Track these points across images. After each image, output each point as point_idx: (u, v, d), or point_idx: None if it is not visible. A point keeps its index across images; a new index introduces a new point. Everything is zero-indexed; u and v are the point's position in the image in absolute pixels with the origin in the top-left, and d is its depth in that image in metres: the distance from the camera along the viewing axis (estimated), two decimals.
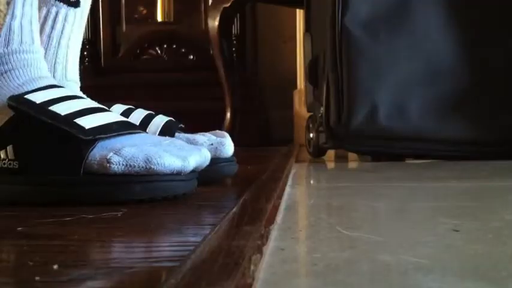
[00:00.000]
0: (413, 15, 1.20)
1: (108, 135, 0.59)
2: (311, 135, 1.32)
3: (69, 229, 0.44)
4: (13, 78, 0.64)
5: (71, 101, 0.63)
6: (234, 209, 0.49)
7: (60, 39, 0.74)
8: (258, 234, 0.39)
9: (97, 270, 0.32)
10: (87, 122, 0.59)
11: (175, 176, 0.57)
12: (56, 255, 0.36)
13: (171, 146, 0.59)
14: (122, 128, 0.61)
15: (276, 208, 0.52)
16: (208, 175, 0.70)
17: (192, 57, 2.18)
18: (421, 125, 1.18)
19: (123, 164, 0.57)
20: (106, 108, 0.65)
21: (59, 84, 0.68)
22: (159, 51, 2.19)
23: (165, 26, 2.17)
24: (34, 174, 0.58)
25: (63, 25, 0.74)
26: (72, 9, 0.74)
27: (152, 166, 0.56)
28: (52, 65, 0.74)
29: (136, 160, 0.57)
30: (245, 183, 0.69)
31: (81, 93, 0.76)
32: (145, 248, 0.38)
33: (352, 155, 1.33)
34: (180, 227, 0.46)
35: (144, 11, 2.21)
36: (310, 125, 1.34)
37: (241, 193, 0.60)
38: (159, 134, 0.71)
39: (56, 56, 0.74)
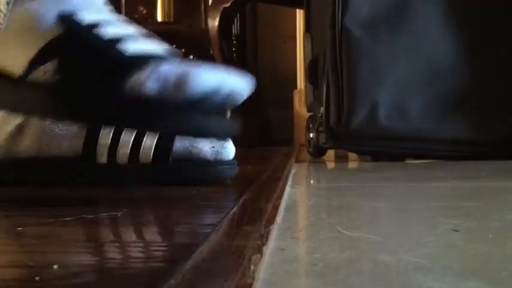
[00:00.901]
0: (413, 15, 1.20)
1: (148, 61, 0.58)
2: (311, 135, 1.32)
3: (69, 229, 0.44)
4: None
5: (117, 27, 0.62)
6: (234, 209, 0.49)
7: None
8: (258, 234, 0.39)
9: (97, 270, 0.32)
10: (131, 47, 0.59)
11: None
12: (56, 255, 0.36)
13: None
14: (163, 55, 0.60)
15: (276, 208, 0.52)
16: (209, 178, 0.70)
17: (192, 57, 2.18)
18: (421, 125, 1.18)
19: (158, 81, 0.55)
20: (155, 35, 0.65)
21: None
22: None
23: (165, 26, 2.17)
24: (72, 91, 0.58)
25: None
26: None
27: (188, 82, 0.55)
28: None
29: (171, 77, 0.56)
30: (245, 183, 0.69)
31: None
32: (145, 248, 0.38)
33: (352, 155, 1.33)
34: (179, 227, 0.46)
35: (144, 11, 2.21)
36: (310, 125, 1.34)
37: (241, 193, 0.60)
38: (159, 135, 0.71)
39: None
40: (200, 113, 0.56)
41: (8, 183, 0.72)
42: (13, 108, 0.60)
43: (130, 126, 0.55)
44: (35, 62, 0.58)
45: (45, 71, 0.58)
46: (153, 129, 0.55)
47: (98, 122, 0.55)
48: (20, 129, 0.73)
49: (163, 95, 0.55)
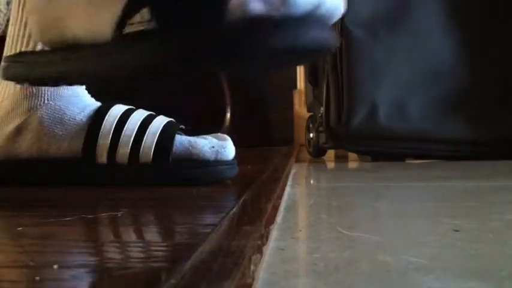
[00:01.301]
0: (413, 16, 1.20)
1: None
2: (311, 135, 1.32)
3: (69, 229, 0.44)
4: None
5: None
6: (234, 209, 0.49)
7: None
8: (258, 234, 0.39)
9: (97, 270, 0.32)
10: None
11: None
12: (56, 255, 0.36)
13: None
14: None
15: (276, 208, 0.52)
16: (209, 178, 0.70)
17: None
18: (421, 125, 1.18)
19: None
20: None
21: None
22: None
23: None
24: (175, 33, 0.56)
25: None
26: None
27: None
28: None
29: None
30: (245, 183, 0.69)
31: (86, 94, 0.76)
32: (145, 248, 0.38)
33: (352, 155, 1.33)
34: (179, 227, 0.46)
35: None
36: (310, 125, 1.34)
37: (241, 193, 0.60)
38: (159, 135, 0.71)
39: None
40: (305, 28, 0.55)
41: (8, 183, 0.72)
42: (115, 72, 0.58)
43: (242, 49, 0.53)
44: (123, 19, 0.56)
45: (139, 23, 0.56)
46: (263, 49, 0.53)
47: (211, 54, 0.53)
48: (19, 130, 0.73)
49: (268, 13, 0.53)
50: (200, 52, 0.52)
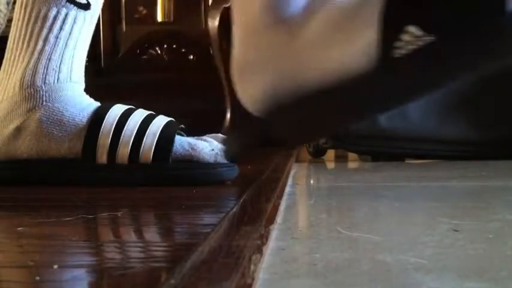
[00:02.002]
0: None
1: None
2: None
3: (69, 229, 0.44)
4: None
5: None
6: (234, 209, 0.49)
7: (67, 41, 0.74)
8: (258, 234, 0.39)
9: (97, 270, 0.32)
10: None
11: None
12: (56, 255, 0.36)
13: None
14: None
15: (276, 208, 0.52)
16: (209, 179, 0.70)
17: (192, 57, 2.18)
18: (422, 125, 1.18)
19: None
20: None
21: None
22: (159, 51, 2.19)
23: (165, 26, 2.17)
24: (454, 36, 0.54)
25: (72, 27, 0.74)
26: (82, 11, 0.74)
27: None
28: (57, 66, 0.74)
29: None
30: (245, 183, 0.69)
31: (85, 95, 0.76)
32: (145, 248, 0.38)
33: (352, 155, 1.33)
34: (179, 227, 0.46)
35: (144, 11, 2.21)
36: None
37: (241, 193, 0.60)
38: (159, 135, 0.71)
39: (62, 57, 0.74)
40: None
41: (8, 183, 0.72)
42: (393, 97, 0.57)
43: None
44: (387, 43, 0.54)
45: (409, 43, 0.55)
46: None
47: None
48: (18, 132, 0.73)
49: None
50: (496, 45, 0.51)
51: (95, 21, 0.77)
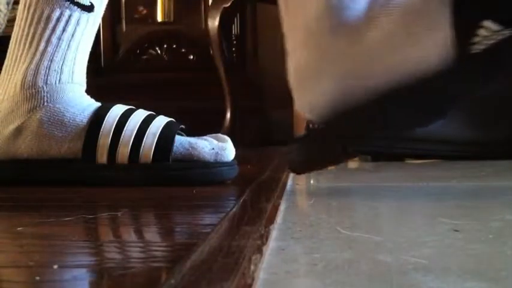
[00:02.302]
0: None
1: None
2: None
3: (69, 229, 0.44)
4: None
5: None
6: (234, 209, 0.49)
7: (70, 42, 0.74)
8: (258, 234, 0.39)
9: (97, 270, 0.32)
10: None
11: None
12: (56, 255, 0.36)
13: None
14: None
15: (276, 208, 0.52)
16: (209, 179, 0.70)
17: (192, 57, 2.18)
18: None
19: None
20: None
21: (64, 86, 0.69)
22: (159, 51, 2.19)
23: (165, 26, 2.17)
24: None
25: (75, 29, 0.74)
26: (85, 13, 0.74)
27: None
28: (59, 67, 0.74)
29: None
30: (245, 183, 0.69)
31: (86, 96, 0.76)
32: (145, 248, 0.38)
33: None
34: (179, 227, 0.46)
35: (144, 11, 2.21)
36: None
37: (241, 193, 0.60)
38: (159, 135, 0.71)
39: (64, 58, 0.74)
40: None
41: (8, 183, 0.72)
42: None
43: None
44: (464, 40, 0.53)
45: (486, 37, 0.53)
46: None
47: None
48: (19, 132, 0.73)
49: None
50: None
51: (98, 24, 0.77)
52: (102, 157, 0.70)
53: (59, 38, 0.74)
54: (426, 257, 0.36)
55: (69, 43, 0.74)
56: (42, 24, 0.73)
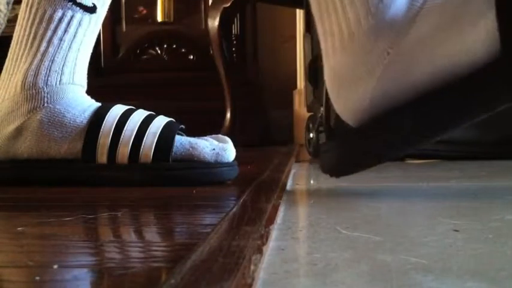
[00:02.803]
0: None
1: None
2: (311, 135, 1.32)
3: (69, 229, 0.44)
4: None
5: None
6: (234, 209, 0.49)
7: (71, 43, 0.74)
8: (258, 234, 0.39)
9: (97, 270, 0.32)
10: None
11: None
12: (56, 255, 0.36)
13: None
14: None
15: (276, 208, 0.52)
16: (209, 179, 0.70)
17: (192, 57, 2.18)
18: None
19: None
20: None
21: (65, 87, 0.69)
22: (159, 51, 2.19)
23: (165, 26, 2.17)
24: None
25: (77, 30, 0.74)
26: (87, 14, 0.74)
27: None
28: (60, 68, 0.74)
29: None
30: (245, 183, 0.69)
31: (86, 97, 0.76)
32: (145, 248, 0.38)
33: None
34: (179, 227, 0.46)
35: (144, 11, 2.21)
36: (310, 125, 1.34)
37: (241, 193, 0.60)
38: (159, 135, 0.71)
39: (65, 59, 0.74)
40: None
41: (8, 183, 0.72)
42: None
43: None
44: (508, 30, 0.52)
45: None
46: None
47: None
48: (19, 132, 0.73)
49: None
50: None
51: (100, 25, 0.77)
52: (102, 157, 0.70)
53: (61, 39, 0.74)
54: (426, 257, 0.36)
55: (70, 44, 0.74)
56: (44, 25, 0.73)
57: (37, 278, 0.30)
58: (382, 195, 0.65)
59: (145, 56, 2.20)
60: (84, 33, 0.75)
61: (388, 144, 0.58)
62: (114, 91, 1.84)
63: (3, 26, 0.81)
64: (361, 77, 0.58)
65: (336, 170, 0.63)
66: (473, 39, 0.53)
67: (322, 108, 1.22)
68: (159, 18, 2.17)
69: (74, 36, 0.74)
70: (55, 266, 0.32)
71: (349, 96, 0.59)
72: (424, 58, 0.55)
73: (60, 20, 0.73)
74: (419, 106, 0.56)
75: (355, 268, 0.35)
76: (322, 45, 0.63)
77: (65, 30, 0.73)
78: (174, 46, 2.19)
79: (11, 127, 0.73)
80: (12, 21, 0.83)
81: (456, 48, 0.54)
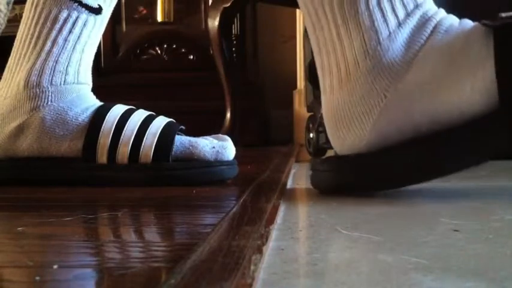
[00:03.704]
0: None
1: None
2: (311, 135, 1.32)
3: (69, 229, 0.44)
4: None
5: None
6: (234, 209, 0.49)
7: (76, 44, 0.74)
8: (258, 234, 0.39)
9: (97, 270, 0.32)
10: None
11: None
12: (56, 255, 0.36)
13: None
14: None
15: (276, 208, 0.52)
16: (210, 178, 0.70)
17: (192, 57, 2.18)
18: None
19: None
20: None
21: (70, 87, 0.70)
22: (159, 51, 2.19)
23: (165, 26, 2.17)
24: None
25: (81, 30, 0.74)
26: (93, 15, 0.74)
27: None
28: (64, 68, 0.74)
29: None
30: (245, 183, 0.69)
31: (91, 95, 0.76)
32: (145, 248, 0.38)
33: None
34: (179, 227, 0.46)
35: (144, 11, 2.21)
36: (310, 125, 1.34)
37: (241, 193, 0.60)
38: (159, 135, 0.71)
39: (70, 59, 0.74)
40: None
41: (8, 183, 0.72)
42: None
43: None
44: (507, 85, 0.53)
45: None
46: None
47: None
48: (20, 129, 0.73)
49: None
50: None
51: (104, 26, 0.77)
52: (102, 157, 0.70)
53: (65, 39, 0.74)
54: (426, 257, 0.36)
55: (75, 45, 0.74)
56: (48, 24, 0.74)
57: (37, 278, 0.30)
58: (382, 195, 0.65)
59: (145, 56, 2.20)
60: (89, 35, 0.75)
61: (380, 179, 0.60)
62: (114, 91, 1.84)
63: (3, 26, 0.81)
64: (358, 118, 0.59)
65: (334, 190, 0.64)
66: (471, 89, 0.54)
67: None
68: (159, 18, 2.17)
69: (79, 37, 0.74)
70: (55, 266, 0.32)
71: (347, 137, 0.61)
72: (420, 103, 0.56)
73: (66, 20, 0.73)
74: (415, 149, 0.57)
75: (355, 268, 0.35)
76: (321, 81, 0.64)
77: (70, 31, 0.74)
78: (174, 46, 2.19)
79: (13, 125, 0.73)
80: (12, 21, 0.83)
81: (454, 97, 0.55)
